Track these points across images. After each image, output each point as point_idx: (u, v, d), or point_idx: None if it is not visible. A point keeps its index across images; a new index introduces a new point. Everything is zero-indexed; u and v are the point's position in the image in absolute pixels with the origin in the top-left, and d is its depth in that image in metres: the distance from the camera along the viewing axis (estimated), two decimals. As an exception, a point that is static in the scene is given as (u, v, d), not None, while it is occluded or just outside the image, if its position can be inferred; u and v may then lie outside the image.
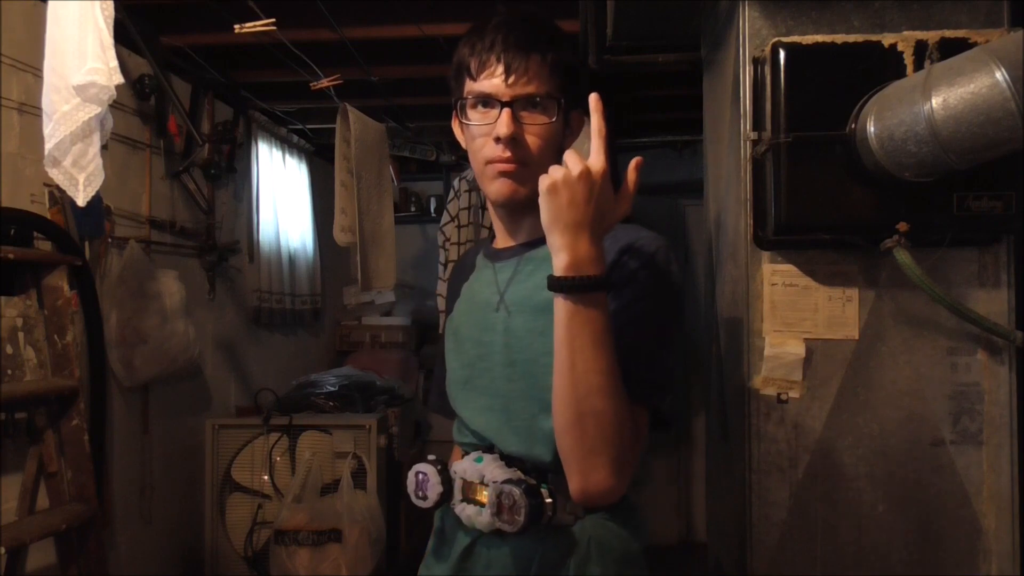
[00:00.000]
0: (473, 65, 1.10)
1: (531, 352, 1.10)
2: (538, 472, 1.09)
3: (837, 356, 1.64)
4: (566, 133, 1.16)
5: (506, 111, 1.08)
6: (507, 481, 1.06)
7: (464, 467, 1.13)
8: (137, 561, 2.90)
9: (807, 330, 1.64)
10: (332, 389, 3.49)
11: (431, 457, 1.18)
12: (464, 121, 1.14)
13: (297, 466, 3.14)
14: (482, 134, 1.11)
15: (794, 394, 1.64)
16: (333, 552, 2.94)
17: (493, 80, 1.09)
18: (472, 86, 1.11)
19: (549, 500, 1.06)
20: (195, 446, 3.24)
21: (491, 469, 1.09)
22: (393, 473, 3.37)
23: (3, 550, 2.00)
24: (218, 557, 3.18)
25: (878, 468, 1.63)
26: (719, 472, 2.01)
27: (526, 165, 1.10)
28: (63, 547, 2.29)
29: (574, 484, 1.00)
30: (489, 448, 1.14)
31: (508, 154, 1.09)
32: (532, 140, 1.10)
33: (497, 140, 1.08)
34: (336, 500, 3.01)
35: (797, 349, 1.63)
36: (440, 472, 1.15)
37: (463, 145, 1.18)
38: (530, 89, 1.09)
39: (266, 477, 3.17)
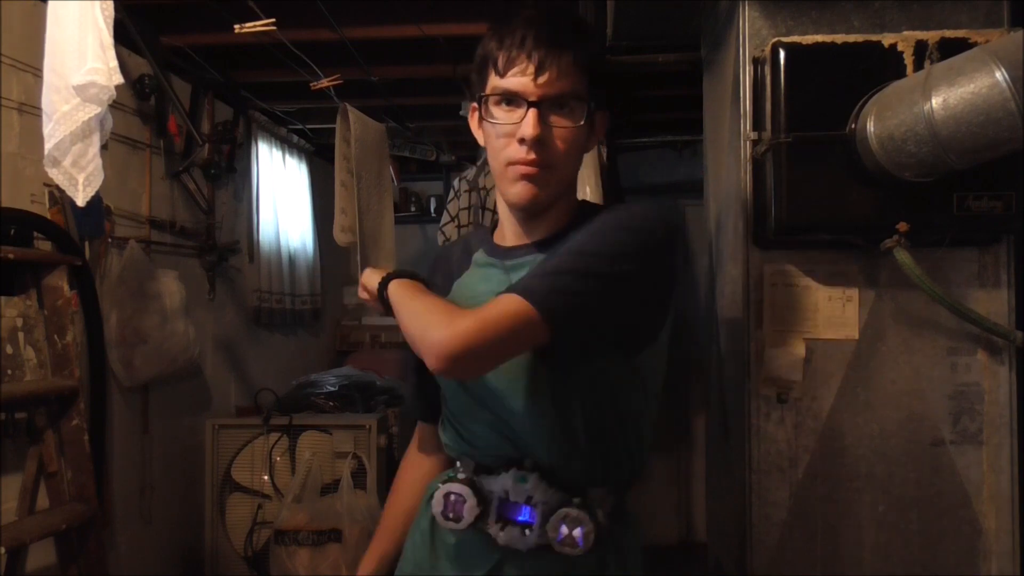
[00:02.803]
0: (501, 60, 1.05)
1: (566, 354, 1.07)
2: (572, 485, 1.08)
3: (837, 356, 1.64)
4: (590, 134, 1.11)
5: (532, 111, 1.03)
6: (568, 504, 1.06)
7: (504, 486, 1.09)
8: (137, 561, 2.90)
9: (807, 330, 1.64)
10: (332, 389, 3.49)
11: (461, 476, 1.13)
12: (487, 119, 1.08)
13: (297, 466, 3.14)
14: (505, 134, 1.06)
15: (794, 394, 1.64)
16: (333, 552, 2.94)
17: (522, 78, 1.04)
18: (498, 82, 1.06)
19: (603, 521, 1.07)
20: (195, 446, 3.24)
21: (539, 489, 1.07)
22: (393, 473, 3.36)
23: (3, 550, 1.99)
24: (218, 557, 3.17)
25: (878, 468, 1.63)
26: (719, 472, 2.00)
27: (550, 168, 1.06)
28: (63, 547, 2.29)
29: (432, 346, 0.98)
30: (511, 460, 1.10)
31: (533, 156, 1.04)
32: (558, 143, 1.05)
33: (521, 141, 1.04)
34: (336, 500, 3.01)
35: (797, 349, 1.63)
36: (476, 492, 1.10)
37: (480, 142, 1.14)
38: (559, 89, 1.04)
39: (266, 477, 3.17)
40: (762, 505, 1.65)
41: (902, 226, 1.51)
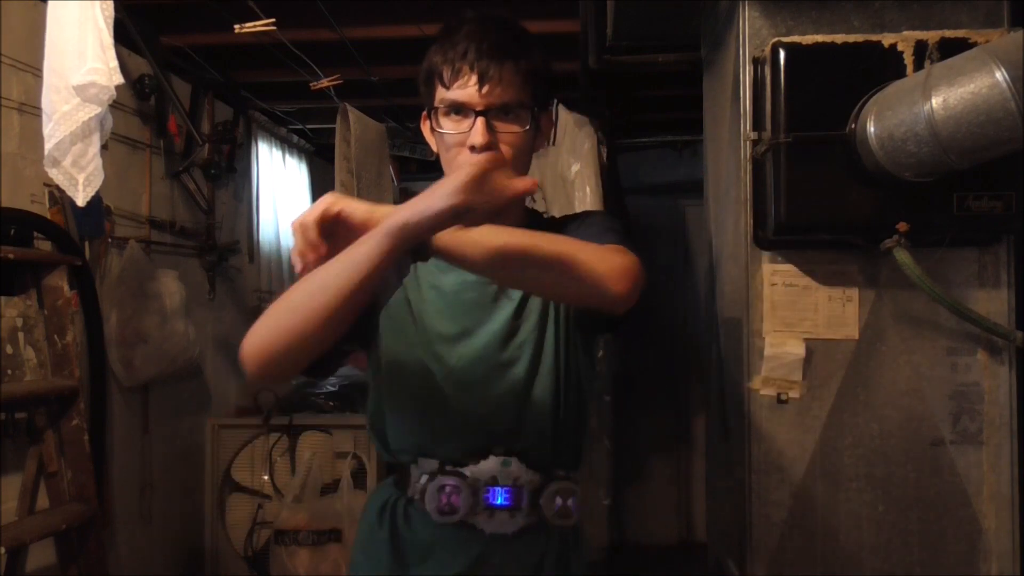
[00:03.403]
0: (446, 73, 1.10)
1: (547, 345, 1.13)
2: (543, 467, 1.13)
3: (837, 356, 1.64)
4: (537, 136, 1.17)
5: (480, 120, 1.08)
6: (557, 479, 1.12)
7: (491, 471, 1.10)
8: (137, 561, 2.90)
9: (807, 330, 1.64)
10: (332, 389, 3.49)
11: (448, 468, 1.12)
12: (437, 130, 1.13)
13: (297, 466, 3.14)
14: (456, 143, 1.11)
15: (794, 394, 1.64)
16: (333, 552, 2.94)
17: (467, 89, 1.09)
18: (445, 94, 1.11)
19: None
20: (195, 446, 3.24)
21: (523, 471, 1.11)
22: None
23: (3, 550, 2.00)
24: (218, 557, 3.18)
25: (878, 468, 1.63)
26: (719, 472, 2.01)
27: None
28: (63, 547, 2.29)
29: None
30: (479, 450, 1.11)
31: None
32: (506, 149, 1.10)
33: (472, 149, 1.09)
34: (336, 500, 3.01)
35: (797, 349, 1.63)
36: (468, 483, 1.10)
37: (433, 149, 1.18)
38: (503, 98, 1.09)
39: (266, 477, 3.17)
40: (762, 505, 1.65)
41: (902, 226, 1.51)
